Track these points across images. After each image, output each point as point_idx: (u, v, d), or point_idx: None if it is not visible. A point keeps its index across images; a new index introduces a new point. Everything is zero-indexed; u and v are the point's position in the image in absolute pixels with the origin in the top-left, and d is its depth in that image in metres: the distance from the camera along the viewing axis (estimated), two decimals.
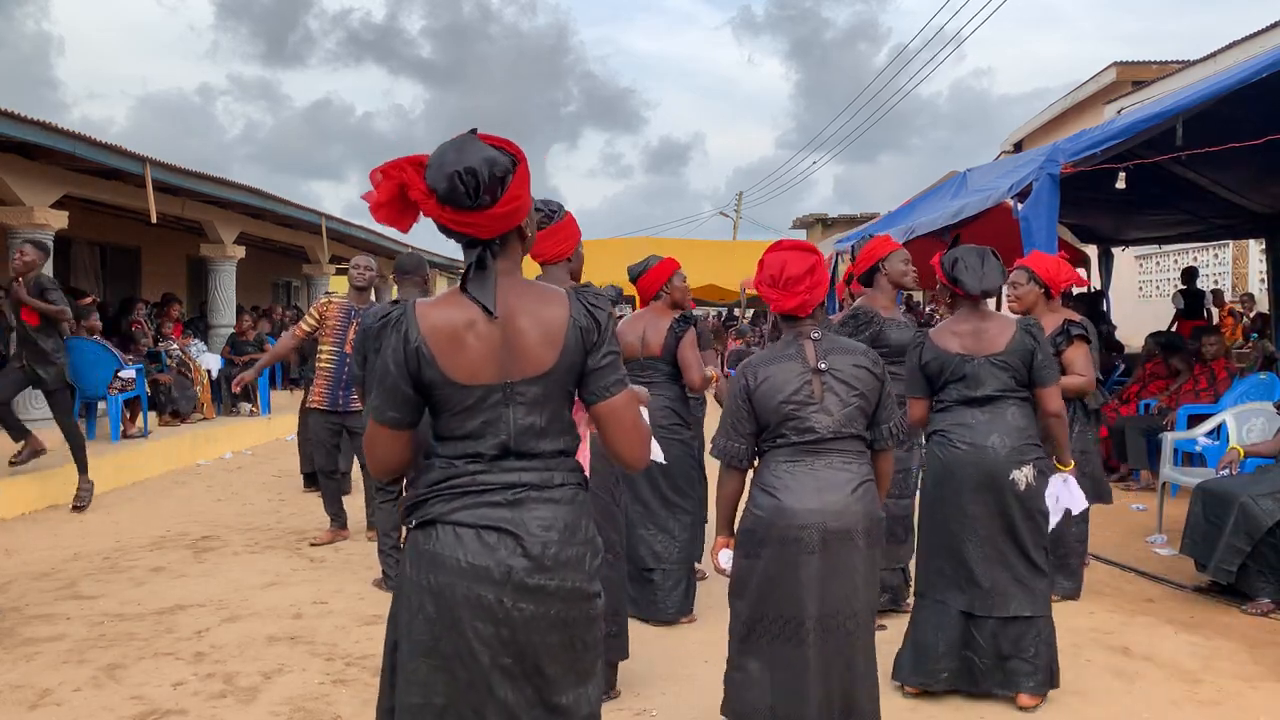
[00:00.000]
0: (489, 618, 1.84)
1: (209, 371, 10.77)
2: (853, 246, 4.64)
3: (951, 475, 3.52)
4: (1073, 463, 3.75)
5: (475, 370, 1.86)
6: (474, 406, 1.87)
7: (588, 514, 1.97)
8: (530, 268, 2.43)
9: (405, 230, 1.95)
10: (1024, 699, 3.46)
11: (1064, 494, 3.69)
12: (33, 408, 7.99)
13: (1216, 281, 13.64)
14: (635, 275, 4.58)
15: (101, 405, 8.72)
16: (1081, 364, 4.54)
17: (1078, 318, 4.65)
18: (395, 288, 5.31)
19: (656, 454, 3.04)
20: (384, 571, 5.03)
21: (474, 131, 1.88)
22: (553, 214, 3.23)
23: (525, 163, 1.87)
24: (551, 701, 1.90)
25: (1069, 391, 4.38)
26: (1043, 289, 4.73)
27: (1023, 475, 3.49)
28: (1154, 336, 8.91)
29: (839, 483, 2.72)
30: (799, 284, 2.78)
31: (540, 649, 1.87)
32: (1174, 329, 10.36)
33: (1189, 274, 11.07)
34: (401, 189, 1.85)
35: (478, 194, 1.81)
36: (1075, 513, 3.78)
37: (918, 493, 3.87)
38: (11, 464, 6.69)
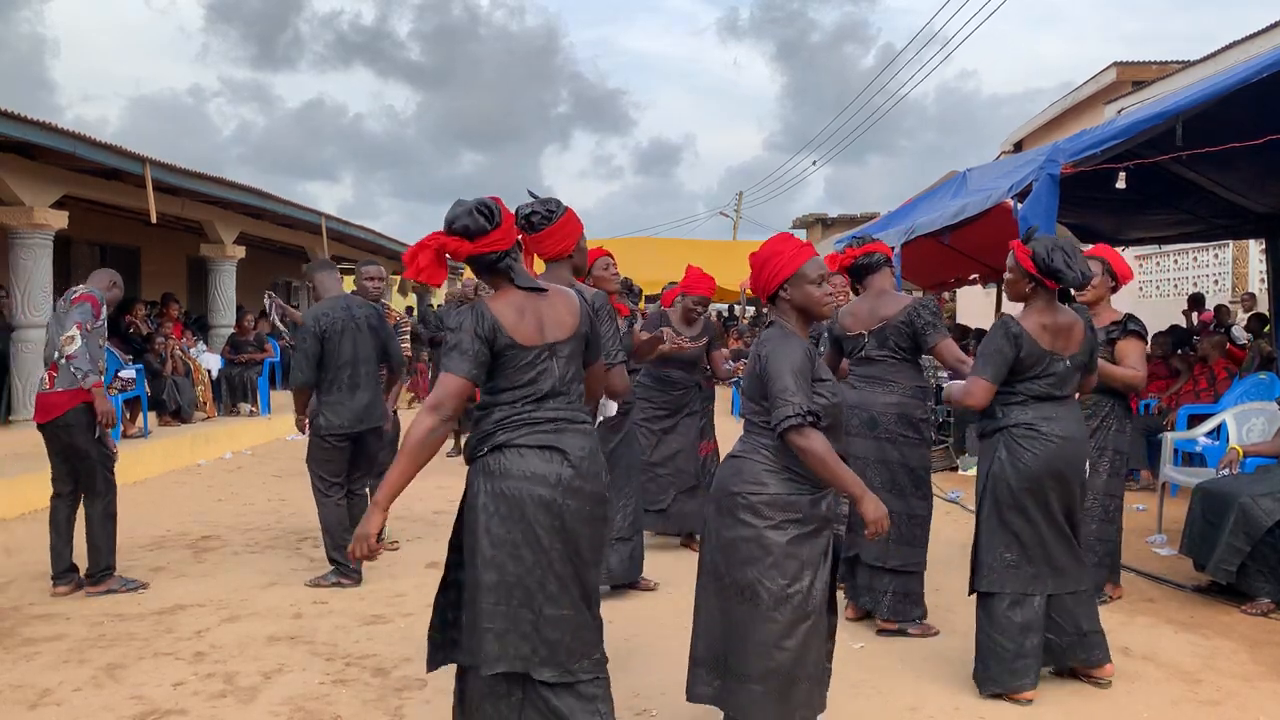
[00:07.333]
0: (547, 510, 2.58)
1: (209, 371, 10.77)
2: (850, 244, 4.62)
3: (1048, 469, 3.47)
4: None
5: (531, 335, 2.65)
6: (532, 361, 2.65)
7: (598, 443, 2.76)
8: (536, 266, 3.21)
9: (438, 284, 2.82)
10: (1110, 669, 3.60)
11: None
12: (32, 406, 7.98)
13: (1217, 281, 13.63)
14: None
15: None
16: (1135, 358, 4.53)
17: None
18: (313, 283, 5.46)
19: (609, 409, 3.38)
20: (336, 569, 5.06)
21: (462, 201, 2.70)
22: (551, 213, 3.22)
23: (507, 211, 2.69)
24: (584, 577, 2.67)
25: (1116, 382, 4.41)
26: (1114, 282, 4.73)
27: (1089, 464, 3.64)
28: (1157, 336, 8.91)
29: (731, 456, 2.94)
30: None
31: (579, 536, 2.64)
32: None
33: (1196, 300, 11.88)
34: (438, 252, 2.63)
35: (492, 217, 2.63)
36: None
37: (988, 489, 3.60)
38: None
